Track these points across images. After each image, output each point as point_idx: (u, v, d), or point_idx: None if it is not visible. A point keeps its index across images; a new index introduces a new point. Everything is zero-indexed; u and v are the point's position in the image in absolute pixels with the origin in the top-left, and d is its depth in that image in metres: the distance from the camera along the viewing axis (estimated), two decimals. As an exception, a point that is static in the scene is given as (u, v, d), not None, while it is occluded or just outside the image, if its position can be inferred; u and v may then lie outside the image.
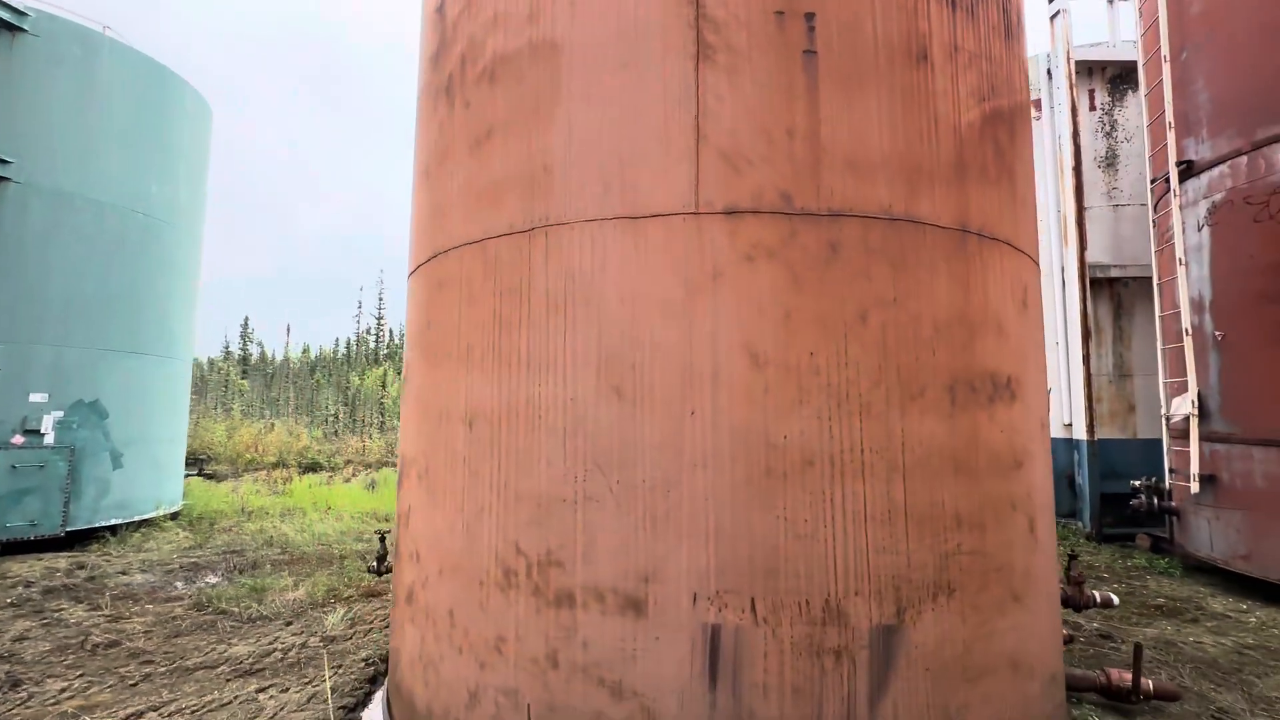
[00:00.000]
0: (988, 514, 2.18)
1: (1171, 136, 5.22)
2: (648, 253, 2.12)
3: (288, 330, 57.03)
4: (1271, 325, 4.49)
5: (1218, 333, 4.88)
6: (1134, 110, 7.42)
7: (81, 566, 5.87)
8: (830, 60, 2.16)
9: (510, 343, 2.29)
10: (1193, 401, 5.01)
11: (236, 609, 4.57)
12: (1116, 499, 6.58)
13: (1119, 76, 7.55)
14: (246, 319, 38.14)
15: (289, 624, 4.28)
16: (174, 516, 8.16)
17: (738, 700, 1.92)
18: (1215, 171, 4.92)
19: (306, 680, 3.35)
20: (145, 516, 7.63)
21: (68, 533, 6.74)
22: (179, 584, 5.42)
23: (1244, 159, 4.69)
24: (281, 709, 3.02)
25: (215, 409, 18.44)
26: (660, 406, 2.05)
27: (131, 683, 3.34)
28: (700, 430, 2.01)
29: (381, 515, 8.43)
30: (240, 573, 5.68)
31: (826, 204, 2.10)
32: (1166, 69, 5.24)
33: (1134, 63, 6.98)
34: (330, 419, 19.04)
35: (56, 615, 4.50)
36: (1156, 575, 5.50)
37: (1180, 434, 5.25)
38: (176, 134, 8.28)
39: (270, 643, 3.92)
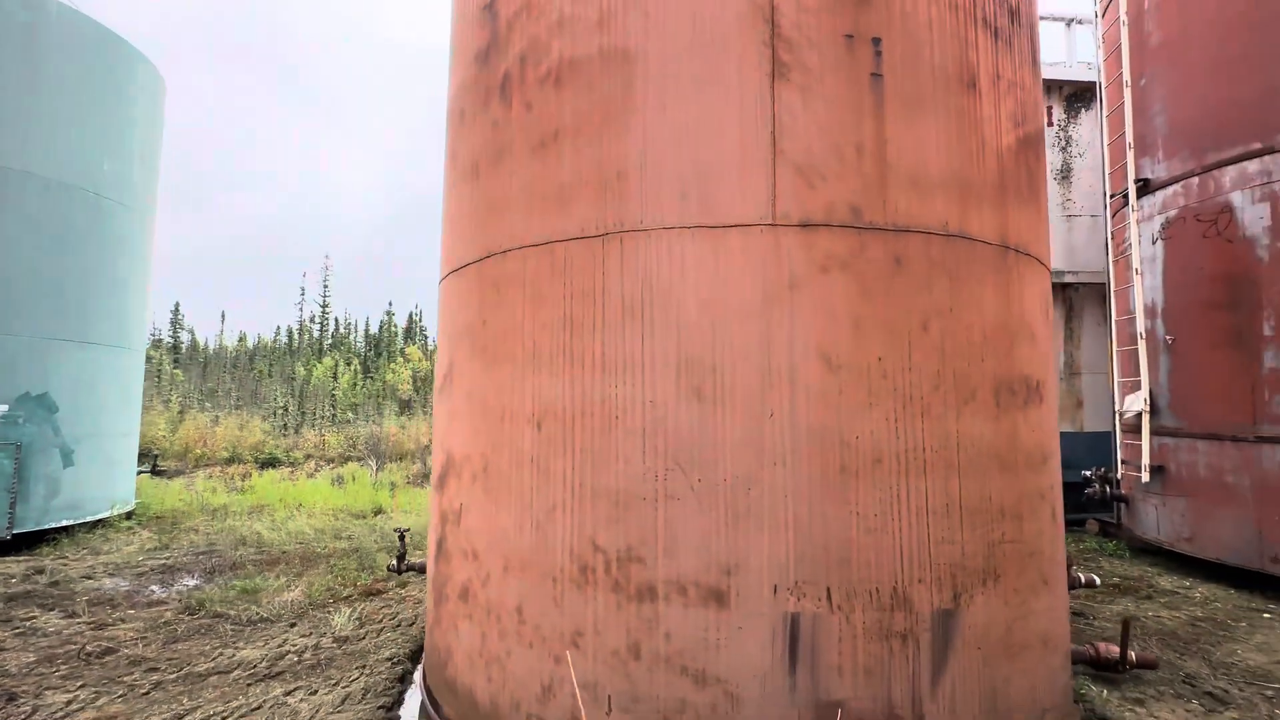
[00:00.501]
0: (1024, 506, 2.40)
1: (1130, 156, 5.69)
2: (727, 261, 2.21)
3: (222, 317, 53.84)
4: (1216, 331, 5.00)
5: (1168, 337, 5.38)
6: (1087, 127, 8.00)
7: (39, 571, 5.49)
8: (895, 83, 2.30)
9: (583, 344, 2.34)
10: (1145, 399, 5.51)
11: (232, 611, 4.41)
12: (1067, 488, 7.14)
13: (1074, 95, 8.11)
14: (178, 305, 35.73)
15: (293, 625, 4.17)
16: (128, 516, 7.69)
17: (815, 682, 2.06)
18: (1169, 190, 5.40)
19: (333, 681, 3.30)
20: (99, 517, 7.17)
21: (15, 535, 6.26)
22: (155, 588, 5.16)
23: (1195, 180, 5.18)
24: (316, 712, 2.97)
25: (151, 401, 17.30)
26: (740, 408, 2.15)
27: (143, 691, 3.20)
28: (779, 430, 2.13)
29: (354, 512, 8.21)
30: (221, 574, 5.46)
31: (892, 219, 2.25)
32: (1127, 94, 5.69)
33: (1090, 83, 7.52)
34: (279, 412, 18.20)
35: (29, 624, 4.22)
36: (1107, 557, 6.04)
37: (1132, 429, 5.76)
38: (129, 108, 7.73)
39: (280, 645, 3.82)
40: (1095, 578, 3.64)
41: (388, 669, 3.42)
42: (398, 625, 4.13)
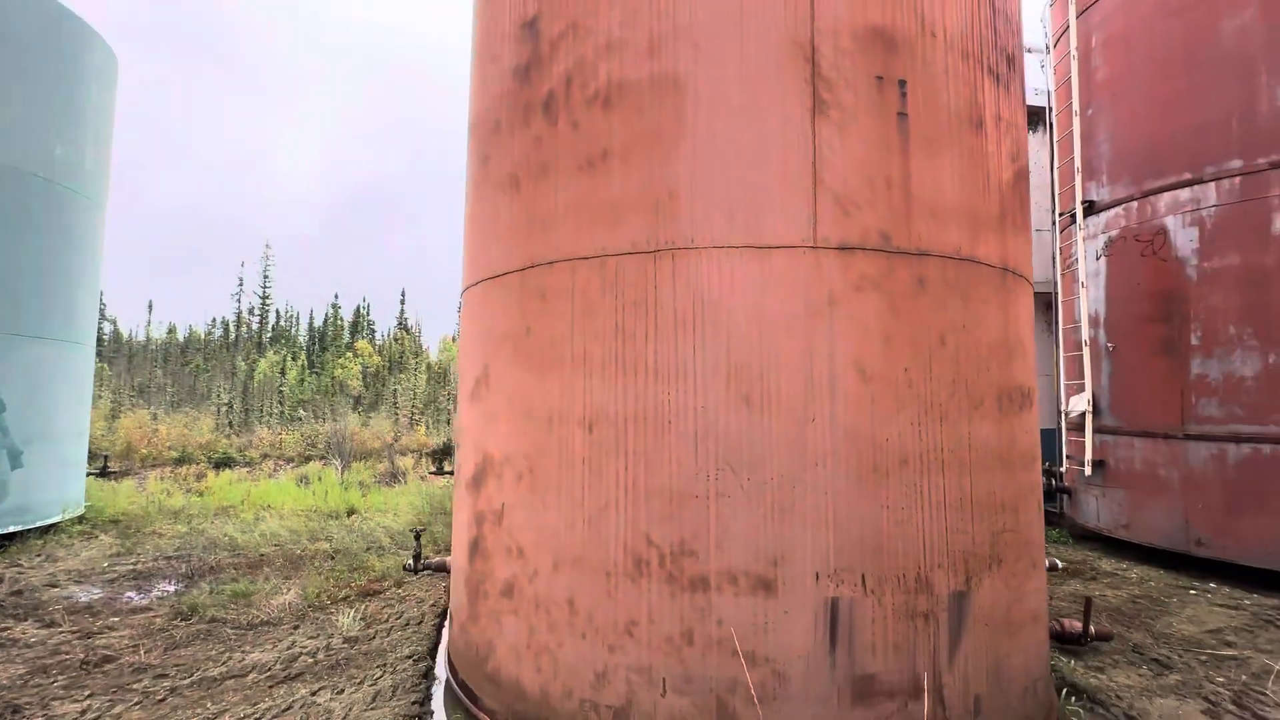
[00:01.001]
0: (1019, 499, 2.72)
1: (1078, 179, 6.26)
2: (772, 279, 2.42)
3: (149, 307, 50.41)
4: (1151, 341, 5.59)
5: (1109, 345, 5.97)
6: (1034, 150, 8.66)
7: (-2, 580, 5.19)
8: (917, 122, 2.56)
9: (635, 353, 2.50)
10: (1088, 400, 6.09)
11: (228, 615, 4.33)
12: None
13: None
14: (100, 294, 33.31)
15: (296, 628, 4.14)
16: (79, 520, 7.29)
17: (852, 659, 2.31)
18: (1112, 212, 5.98)
19: (357, 680, 3.34)
20: (49, 521, 6.78)
21: (-41, 543, 5.88)
22: (132, 594, 4.97)
23: (1135, 204, 5.77)
24: (350, 709, 3.02)
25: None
26: (785, 413, 2.37)
27: (159, 698, 3.16)
28: (820, 434, 2.36)
29: (326, 513, 8.03)
30: (201, 579, 5.30)
31: (915, 244, 2.51)
32: (1076, 122, 6.26)
33: (1039, 108, 8.15)
34: (223, 409, 17.34)
35: (4, 635, 4.03)
36: (1053, 543, 6.63)
37: (1076, 427, 6.35)
38: (83, 90, 7.30)
39: (289, 648, 3.81)
40: (1058, 561, 4.07)
41: (411, 666, 3.48)
42: (406, 625, 4.17)
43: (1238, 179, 5.06)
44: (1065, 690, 3.16)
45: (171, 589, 5.11)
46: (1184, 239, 5.37)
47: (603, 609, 2.46)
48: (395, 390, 17.39)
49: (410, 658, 3.60)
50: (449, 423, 16.51)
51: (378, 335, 42.85)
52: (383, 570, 5.37)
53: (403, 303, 42.42)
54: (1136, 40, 5.80)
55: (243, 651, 3.76)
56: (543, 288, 2.77)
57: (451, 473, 10.27)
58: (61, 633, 4.06)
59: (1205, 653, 3.71)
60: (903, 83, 2.55)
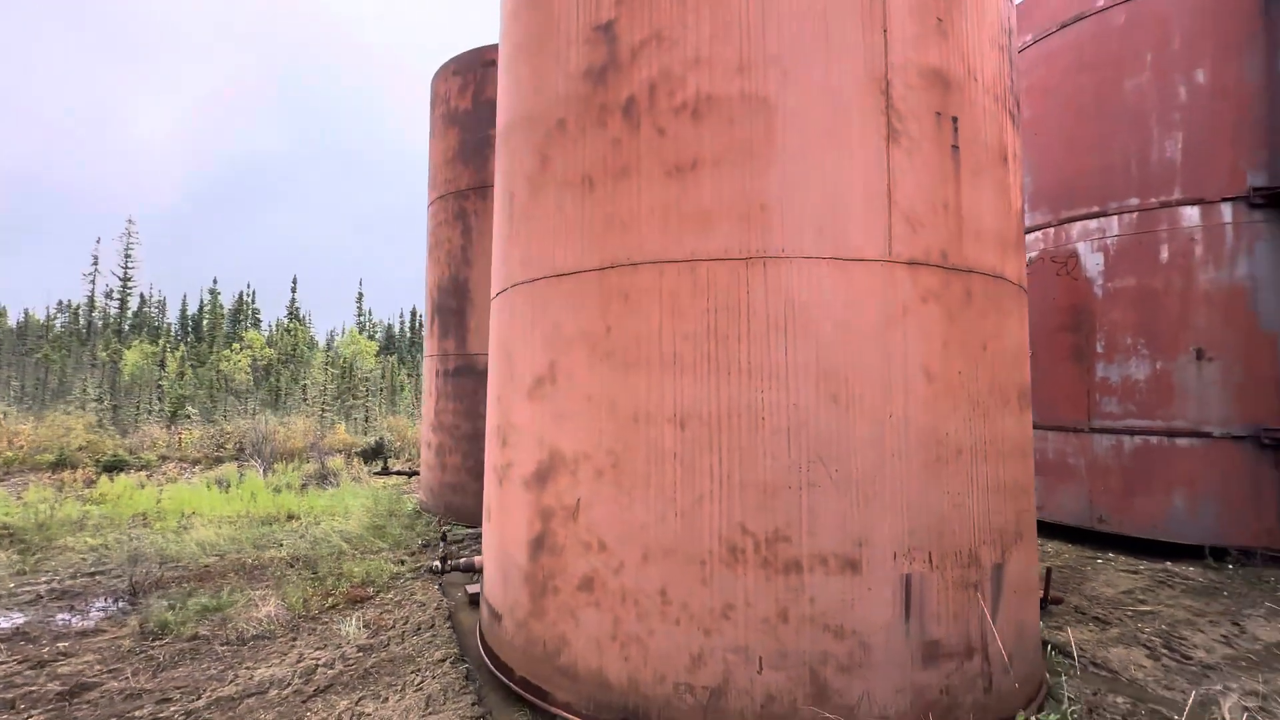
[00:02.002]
0: (1029, 483, 3.17)
1: (1004, 205, 7.13)
2: (855, 289, 2.66)
3: (-35, 286, 42.39)
4: (1063, 348, 6.53)
5: (1030, 350, 6.88)
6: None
7: (-121, 610, 4.36)
8: (965, 154, 2.91)
9: (728, 354, 2.65)
10: (1009, 399, 6.97)
11: (207, 632, 3.96)
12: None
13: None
14: (-95, 267, 27.74)
15: (294, 640, 3.88)
16: (-48, 536, 6.22)
17: (922, 627, 2.61)
18: (1032, 235, 6.90)
19: (397, 689, 3.21)
20: (-82, 539, 5.73)
21: None
22: (66, 617, 4.39)
23: (1052, 230, 6.69)
24: (406, 716, 2.92)
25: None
26: (867, 411, 2.62)
27: (177, 723, 2.88)
28: (895, 429, 2.64)
29: (261, 519, 7.39)
30: (146, 595, 4.75)
31: (965, 263, 2.86)
32: (1003, 155, 7.12)
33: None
34: (91, 405, 15.11)
35: (-74, 671, 3.45)
36: (975, 525, 7.52)
37: (997, 422, 7.24)
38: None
39: (297, 661, 3.57)
40: (1013, 539, 4.69)
41: (449, 669, 3.40)
42: (418, 629, 4.03)
43: (1135, 214, 6.06)
44: (1045, 646, 3.70)
45: (116, 607, 4.55)
46: (1092, 262, 6.32)
47: (698, 596, 2.60)
48: (305, 386, 16.04)
49: (444, 661, 3.51)
50: (368, 419, 15.54)
51: (263, 325, 39.25)
52: (363, 575, 5.10)
53: (294, 291, 39.08)
54: (1054, 90, 6.72)
55: (247, 669, 3.48)
56: (625, 288, 2.84)
57: (402, 472, 9.76)
58: (9, 663, 3.53)
59: (1129, 610, 4.46)
60: (955, 119, 2.89)
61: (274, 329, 37.83)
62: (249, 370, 26.60)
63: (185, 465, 10.62)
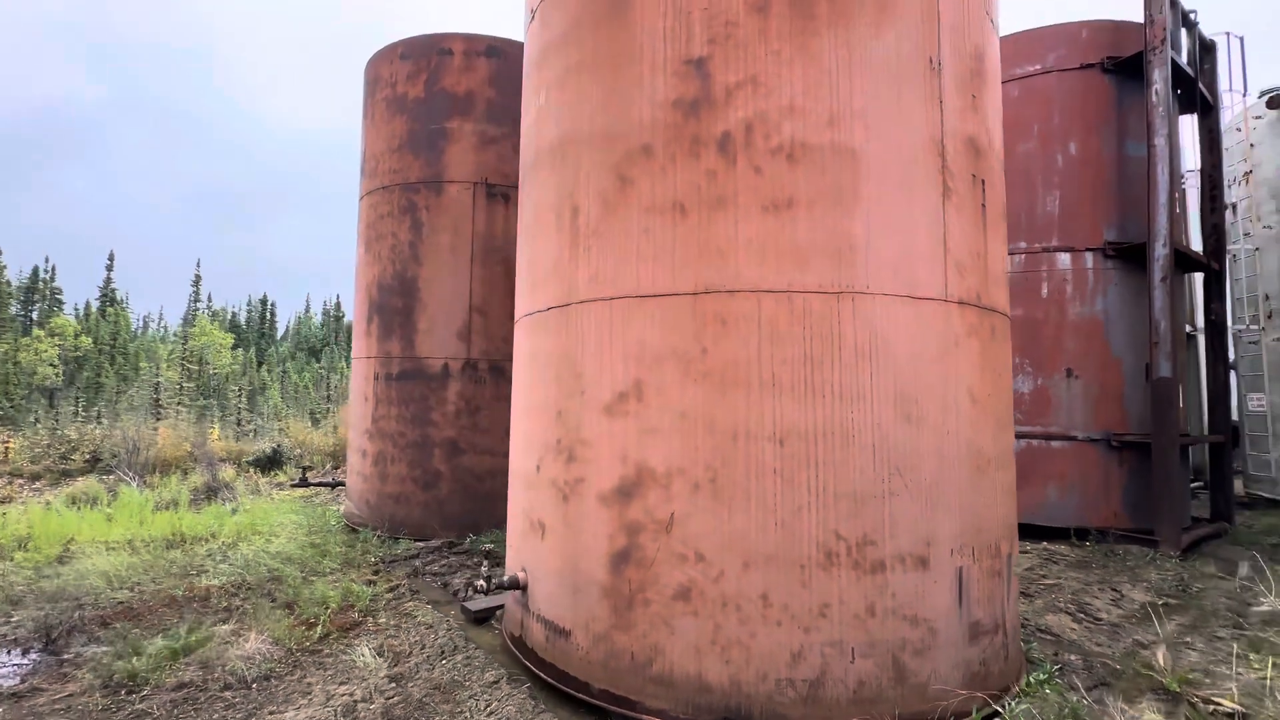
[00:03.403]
0: (1015, 485, 3.82)
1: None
2: (922, 323, 3.08)
3: None
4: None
5: (936, 366, 8.00)
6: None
7: None
8: (989, 211, 3.47)
9: (822, 378, 2.94)
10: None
11: (196, 678, 3.46)
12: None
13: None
14: None
15: (304, 677, 3.53)
16: None
17: (969, 611, 3.09)
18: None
19: (464, 716, 3.10)
20: None
21: None
22: None
23: (957, 263, 7.86)
24: (496, 741, 2.85)
25: None
26: (931, 428, 3.05)
27: (234, 781, 2.56)
28: (951, 444, 3.10)
29: (159, 542, 6.39)
30: (65, 640, 4.01)
31: (990, 303, 3.42)
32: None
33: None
34: None
35: None
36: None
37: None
38: None
39: (326, 699, 3.28)
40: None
41: (511, 690, 3.32)
42: (443, 653, 3.84)
43: (1024, 255, 7.32)
44: (1001, 619, 4.43)
45: (32, 660, 3.79)
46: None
47: (798, 598, 2.86)
48: (157, 384, 13.61)
49: (497, 683, 3.41)
50: (239, 423, 13.64)
51: (67, 309, 32.89)
52: (341, 599, 4.69)
53: (110, 269, 33.12)
54: (961, 143, 7.89)
55: (271, 712, 3.13)
56: (722, 313, 3.02)
57: (324, 483, 8.82)
58: (-65, 741, 2.85)
59: (1041, 584, 5.44)
60: (983, 181, 3.44)
61: (83, 313, 31.86)
62: (56, 363, 22.29)
63: (22, 482, 8.66)
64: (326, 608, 4.52)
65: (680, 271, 3.10)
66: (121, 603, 4.80)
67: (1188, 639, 4.19)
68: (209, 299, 37.63)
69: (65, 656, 3.85)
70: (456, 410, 7.06)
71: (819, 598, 2.86)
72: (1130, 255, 6.95)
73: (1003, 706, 3.06)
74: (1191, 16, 7.42)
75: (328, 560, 5.90)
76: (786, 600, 2.86)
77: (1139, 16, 7.00)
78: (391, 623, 4.37)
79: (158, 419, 11.82)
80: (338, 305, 49.49)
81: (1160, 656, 3.59)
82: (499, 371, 7.19)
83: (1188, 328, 9.25)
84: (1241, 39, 8.35)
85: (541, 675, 3.39)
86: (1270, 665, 3.58)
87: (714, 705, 2.87)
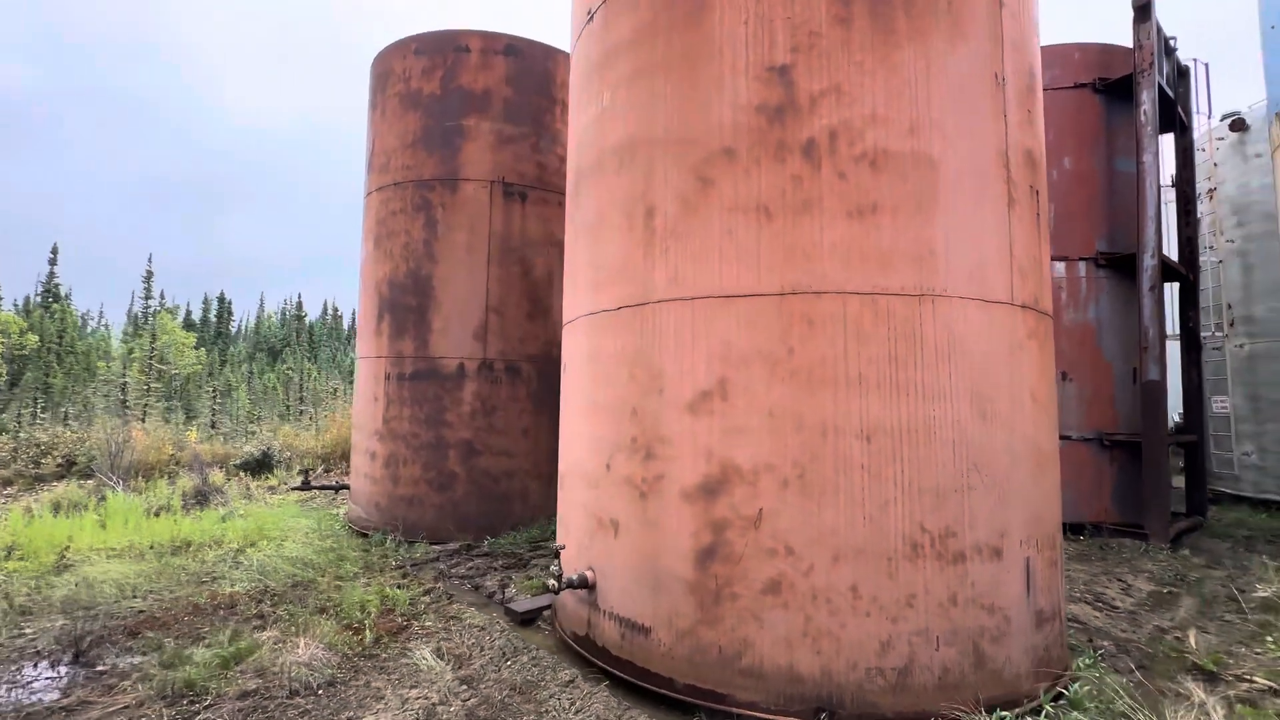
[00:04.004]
0: (1055, 480, 4.03)
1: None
2: (993, 325, 3.24)
3: None
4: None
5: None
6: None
7: None
8: (1042, 221, 3.66)
9: (906, 376, 3.06)
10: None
11: (258, 685, 3.35)
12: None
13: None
14: None
15: (370, 682, 3.45)
16: None
17: (1035, 599, 3.25)
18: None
19: (555, 716, 3.09)
20: None
21: None
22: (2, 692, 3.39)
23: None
24: (593, 738, 2.85)
25: None
26: (1002, 425, 3.20)
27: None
28: (1020, 441, 3.26)
29: (162, 549, 6.11)
30: (98, 650, 3.81)
31: (1045, 307, 3.60)
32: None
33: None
34: None
35: None
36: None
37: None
38: None
39: (401, 703, 3.22)
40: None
41: (591, 688, 3.32)
42: (504, 655, 3.81)
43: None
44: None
45: (64, 673, 3.59)
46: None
47: (885, 589, 2.96)
48: (124, 384, 12.83)
49: (572, 682, 3.40)
50: (214, 425, 13.00)
51: (5, 304, 30.89)
52: (380, 602, 4.59)
53: (54, 263, 31.23)
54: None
55: (350, 717, 3.06)
56: (808, 314, 3.11)
57: (328, 486, 8.53)
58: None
59: (1052, 575, 5.70)
60: (1037, 192, 3.63)
61: (23, 308, 29.98)
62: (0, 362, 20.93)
63: (-9, 486, 8.06)
64: (368, 612, 4.42)
65: (766, 273, 3.18)
66: (141, 611, 4.58)
67: (1200, 624, 4.48)
68: (161, 296, 35.87)
69: (100, 668, 3.67)
70: (472, 411, 6.97)
71: (905, 588, 2.97)
72: (1120, 265, 7.38)
73: (1065, 689, 3.22)
74: (1171, 43, 7.93)
75: (347, 565, 5.75)
76: (875, 592, 2.96)
77: (1120, 39, 7.46)
78: (439, 626, 4.30)
79: (125, 421, 11.22)
80: (299, 305, 47.94)
81: (1192, 639, 3.83)
82: (515, 372, 7.13)
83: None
84: (1206, 65, 8.95)
85: (616, 673, 3.41)
86: (1284, 645, 3.88)
87: (806, 695, 2.95)
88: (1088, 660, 3.64)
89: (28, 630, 4.25)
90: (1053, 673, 3.27)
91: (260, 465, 9.35)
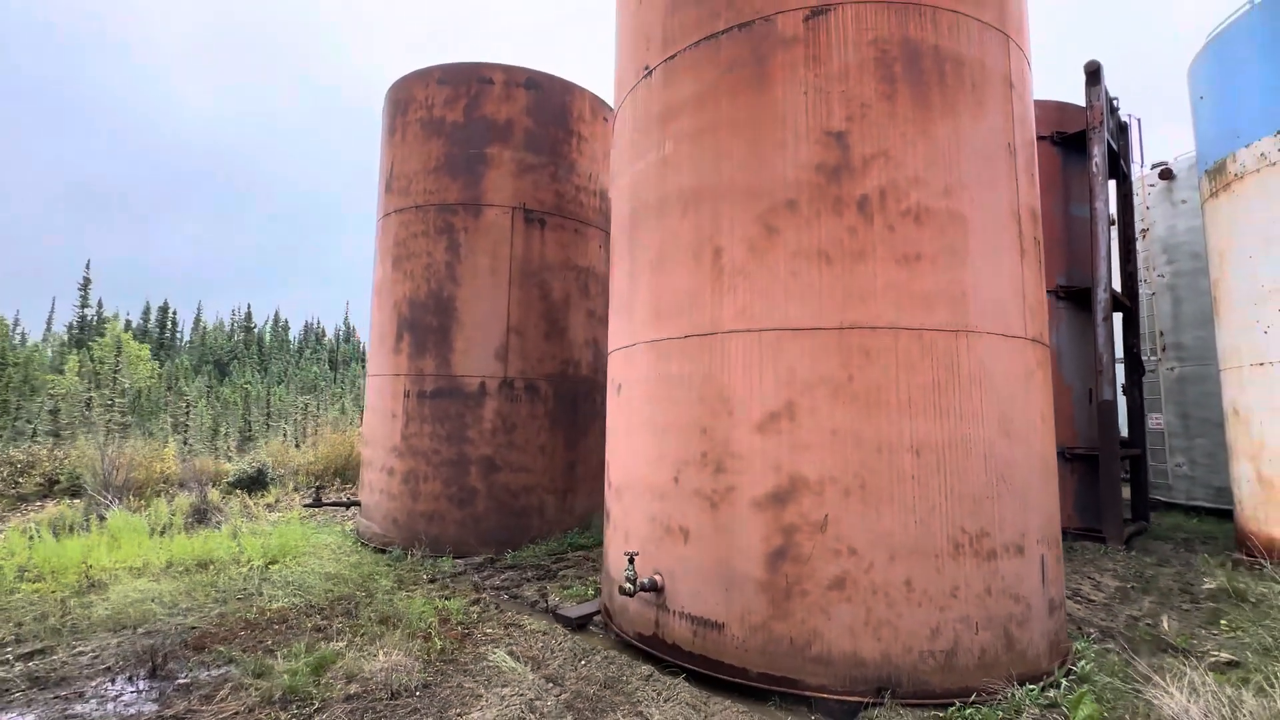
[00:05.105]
0: (1050, 489, 4.66)
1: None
2: (1012, 356, 3.82)
3: None
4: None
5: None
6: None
7: None
8: (1042, 269, 4.31)
9: (947, 400, 3.59)
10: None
11: (358, 690, 3.54)
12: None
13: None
14: None
15: (462, 684, 3.69)
16: None
17: (1049, 590, 3.81)
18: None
19: (646, 704, 3.42)
20: None
21: None
22: (89, 707, 3.47)
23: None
24: None
25: None
26: (1022, 442, 3.78)
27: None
28: (1034, 455, 3.84)
29: (183, 567, 6.08)
30: (173, 664, 3.91)
31: (1043, 339, 4.23)
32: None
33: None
34: None
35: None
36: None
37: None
38: None
39: (502, 701, 3.49)
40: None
41: (672, 681, 3.66)
42: (575, 655, 4.11)
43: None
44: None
45: (147, 685, 3.69)
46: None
47: (934, 583, 3.46)
48: (90, 399, 12.17)
49: (651, 676, 3.74)
50: (185, 442, 12.51)
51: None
52: (434, 614, 4.79)
53: (-21, 268, 29.08)
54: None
55: (460, 713, 3.31)
56: (865, 346, 3.61)
57: (339, 503, 8.47)
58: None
59: (1032, 575, 6.38)
60: (1039, 242, 4.28)
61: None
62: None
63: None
64: (428, 621, 4.63)
65: (827, 310, 3.67)
66: (194, 627, 4.64)
67: (1164, 613, 5.20)
68: (99, 304, 33.90)
69: (181, 681, 3.77)
70: (493, 428, 7.20)
71: (950, 582, 3.47)
72: (1076, 297, 8.30)
73: (1073, 666, 3.79)
74: (1115, 102, 9.03)
75: (380, 579, 5.88)
76: (925, 585, 3.45)
77: (1054, 93, 8.46)
78: (500, 632, 4.55)
79: (110, 439, 10.76)
80: (248, 315, 46.16)
81: (1165, 624, 4.49)
82: (533, 390, 7.42)
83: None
84: (1139, 120, 10.16)
85: (689, 666, 3.77)
86: (1234, 629, 4.59)
87: (868, 677, 3.40)
88: (1084, 644, 4.24)
89: (84, 648, 4.27)
90: (1061, 653, 3.83)
91: (254, 482, 9.19)
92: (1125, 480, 9.88)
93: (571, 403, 7.72)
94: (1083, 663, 3.82)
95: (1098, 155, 8.05)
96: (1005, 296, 3.86)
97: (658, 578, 4.04)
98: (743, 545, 3.69)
